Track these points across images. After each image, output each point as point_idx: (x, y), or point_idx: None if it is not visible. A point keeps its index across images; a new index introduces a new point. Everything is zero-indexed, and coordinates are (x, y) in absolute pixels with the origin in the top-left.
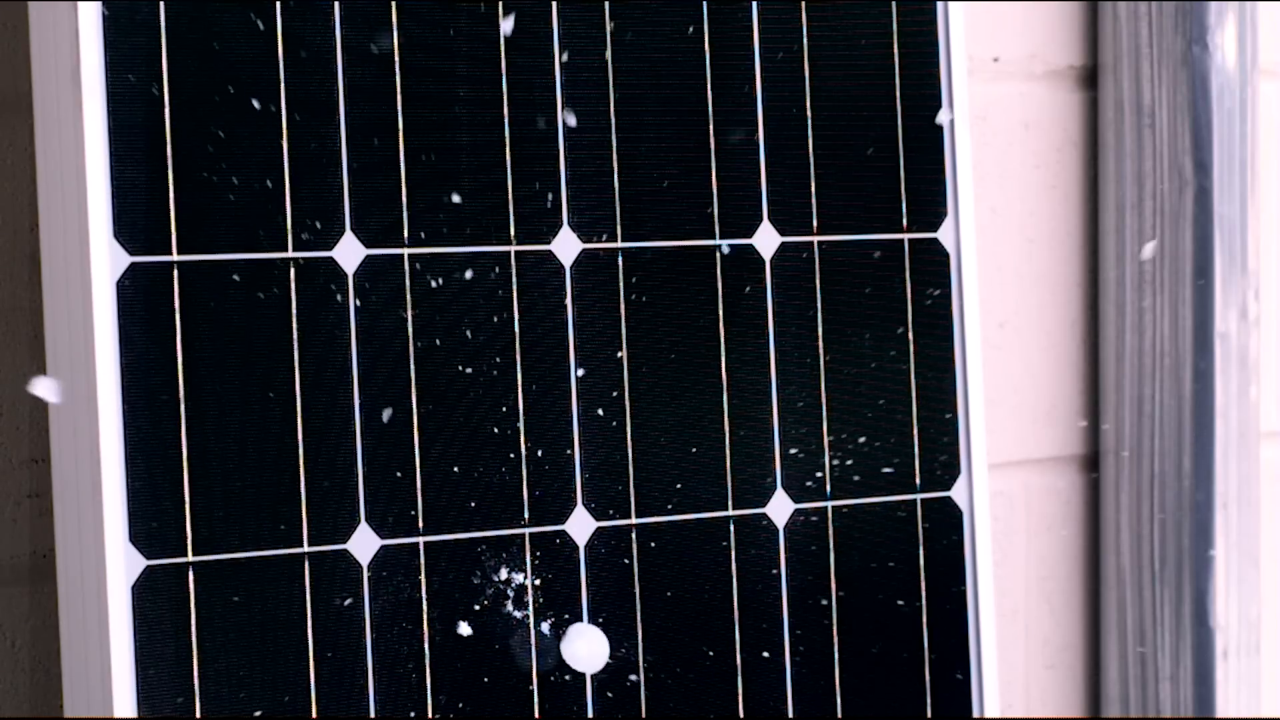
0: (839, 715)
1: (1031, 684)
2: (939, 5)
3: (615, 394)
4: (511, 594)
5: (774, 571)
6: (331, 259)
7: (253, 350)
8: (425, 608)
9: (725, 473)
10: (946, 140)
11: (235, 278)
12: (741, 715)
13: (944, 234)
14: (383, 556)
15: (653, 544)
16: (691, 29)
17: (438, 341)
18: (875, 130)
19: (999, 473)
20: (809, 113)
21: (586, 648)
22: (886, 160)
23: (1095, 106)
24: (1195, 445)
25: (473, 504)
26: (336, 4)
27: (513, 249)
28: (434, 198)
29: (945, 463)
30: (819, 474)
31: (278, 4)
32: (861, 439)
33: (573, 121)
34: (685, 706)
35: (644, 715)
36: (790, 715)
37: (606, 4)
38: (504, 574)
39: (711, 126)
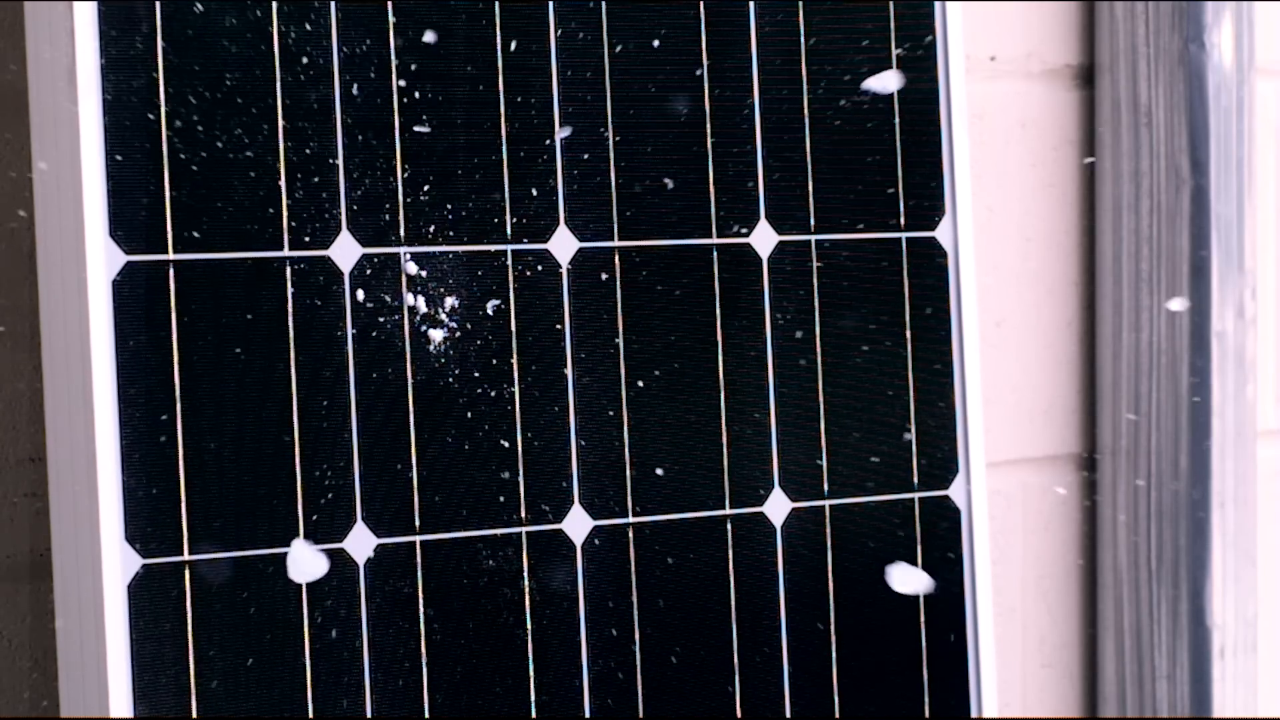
0: (836, 715)
1: (1029, 683)
2: (936, 4)
3: (612, 392)
4: (508, 593)
5: (771, 570)
6: (328, 258)
7: (249, 349)
8: (422, 607)
9: (722, 471)
10: (944, 139)
11: (232, 277)
12: (739, 714)
13: (941, 233)
14: (379, 555)
15: (650, 543)
16: (689, 27)
17: (434, 340)
18: (873, 128)
19: (996, 471)
20: (806, 111)
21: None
22: (884, 159)
23: (1092, 105)
24: (1192, 444)
25: (470, 503)
26: (333, 3)
27: (510, 247)
28: (431, 196)
29: (943, 461)
30: (816, 472)
31: (274, 3)
32: (859, 437)
33: (566, 133)
34: (682, 706)
35: (641, 715)
36: (788, 715)
37: (604, 4)
38: (501, 573)
39: (709, 126)
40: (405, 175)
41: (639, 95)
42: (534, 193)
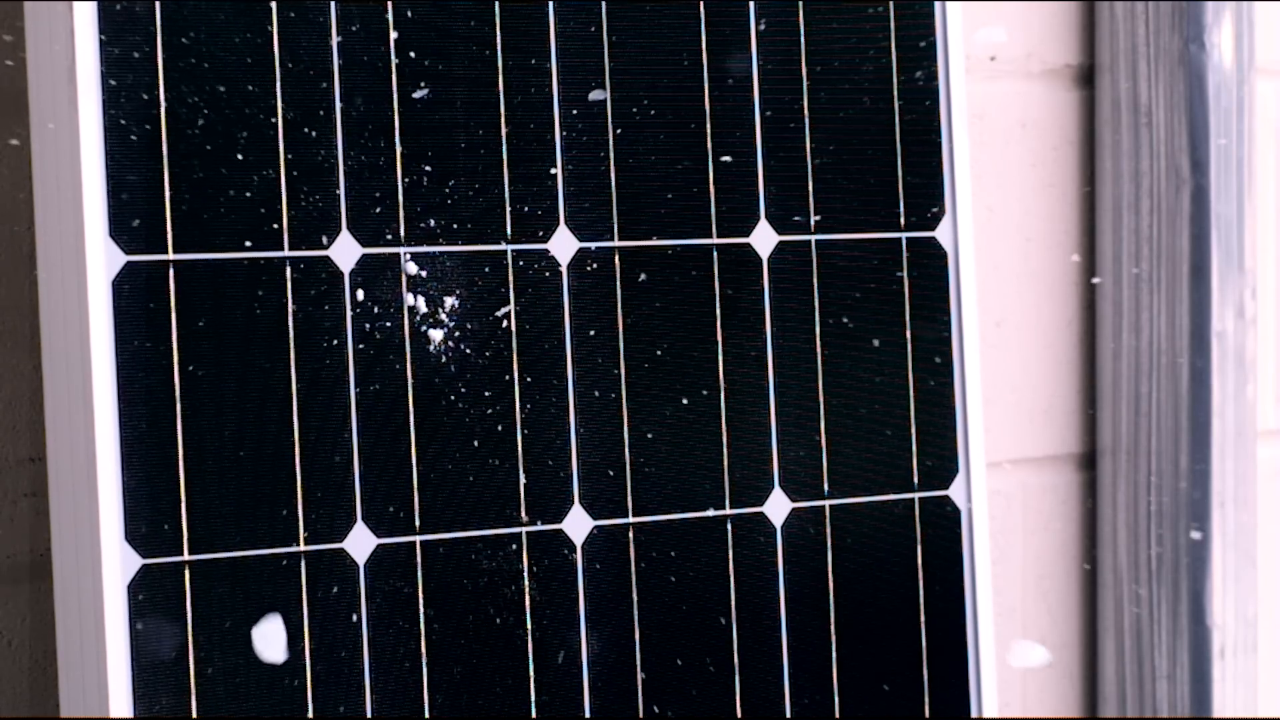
0: (837, 715)
1: (1029, 683)
2: (937, 4)
3: (613, 393)
4: (508, 593)
5: (771, 570)
6: (328, 258)
7: (249, 349)
8: (422, 607)
9: (723, 471)
10: (944, 139)
11: (231, 277)
12: (739, 714)
13: (942, 233)
14: (379, 556)
15: (650, 543)
16: (689, 27)
17: (434, 340)
18: (873, 129)
19: (996, 471)
20: (806, 111)
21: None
22: (884, 159)
23: (1092, 105)
24: (1192, 444)
25: (470, 503)
26: (333, 2)
27: (509, 248)
28: (431, 197)
29: (943, 461)
30: (816, 472)
31: (274, 3)
32: (859, 437)
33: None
34: (682, 705)
35: (641, 715)
36: (788, 715)
37: (604, 4)
38: (501, 573)
39: (709, 126)
40: (405, 175)
41: (639, 95)
42: (534, 193)
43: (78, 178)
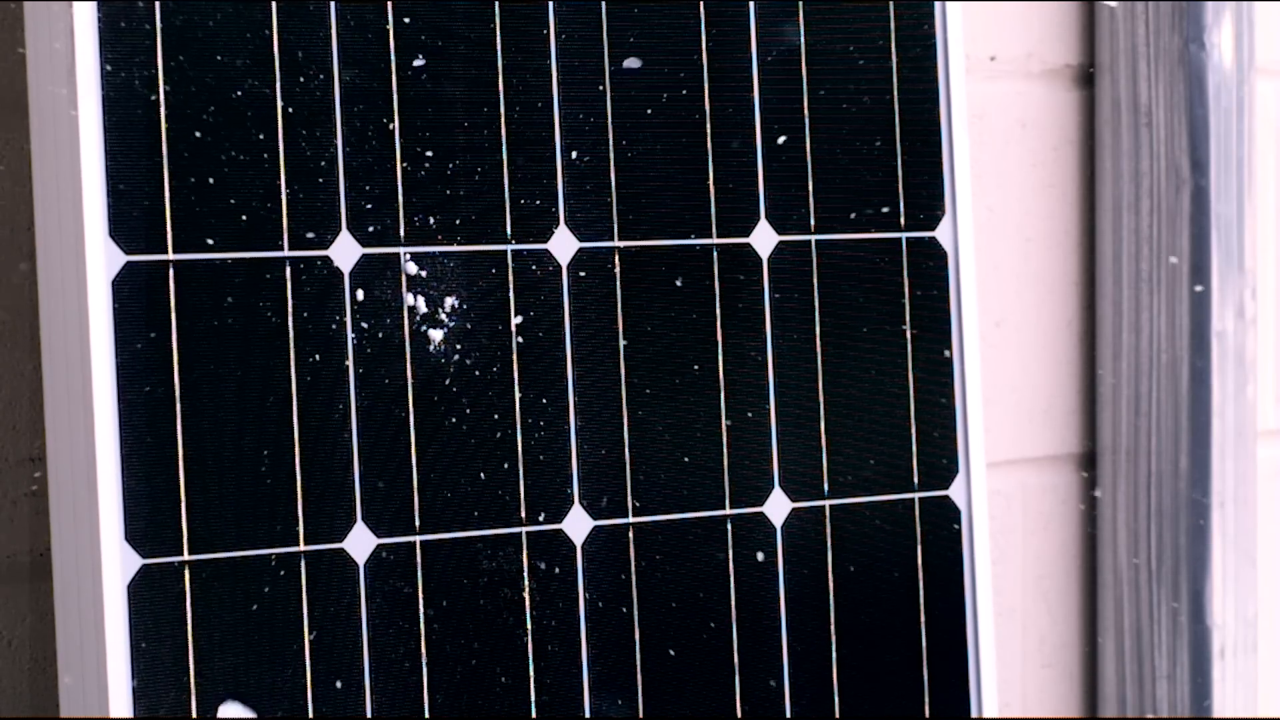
0: (837, 714)
1: (1029, 683)
2: (937, 4)
3: (613, 393)
4: (508, 593)
5: (771, 570)
6: (328, 258)
7: (249, 349)
8: (422, 607)
9: (722, 471)
10: (944, 139)
11: (231, 277)
12: (739, 714)
13: (942, 233)
14: (379, 556)
15: (650, 543)
16: (689, 27)
17: (434, 340)
18: (873, 129)
19: (996, 472)
20: (806, 111)
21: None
22: (884, 159)
23: (1092, 105)
24: (1192, 444)
25: (470, 503)
26: (332, 2)
27: (510, 248)
28: (431, 196)
29: (943, 461)
30: (817, 473)
31: (274, 3)
32: (859, 438)
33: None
34: (683, 706)
35: (641, 715)
36: (788, 714)
37: (604, 4)
38: (501, 573)
39: (709, 126)
40: (405, 175)
41: (639, 94)
42: (534, 192)
43: (77, 177)
